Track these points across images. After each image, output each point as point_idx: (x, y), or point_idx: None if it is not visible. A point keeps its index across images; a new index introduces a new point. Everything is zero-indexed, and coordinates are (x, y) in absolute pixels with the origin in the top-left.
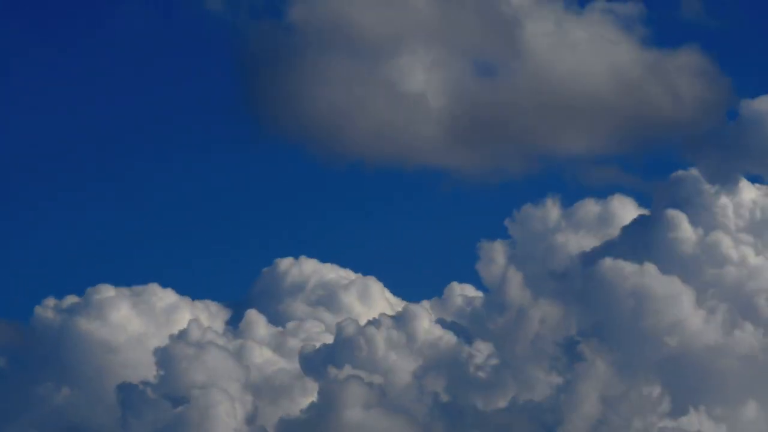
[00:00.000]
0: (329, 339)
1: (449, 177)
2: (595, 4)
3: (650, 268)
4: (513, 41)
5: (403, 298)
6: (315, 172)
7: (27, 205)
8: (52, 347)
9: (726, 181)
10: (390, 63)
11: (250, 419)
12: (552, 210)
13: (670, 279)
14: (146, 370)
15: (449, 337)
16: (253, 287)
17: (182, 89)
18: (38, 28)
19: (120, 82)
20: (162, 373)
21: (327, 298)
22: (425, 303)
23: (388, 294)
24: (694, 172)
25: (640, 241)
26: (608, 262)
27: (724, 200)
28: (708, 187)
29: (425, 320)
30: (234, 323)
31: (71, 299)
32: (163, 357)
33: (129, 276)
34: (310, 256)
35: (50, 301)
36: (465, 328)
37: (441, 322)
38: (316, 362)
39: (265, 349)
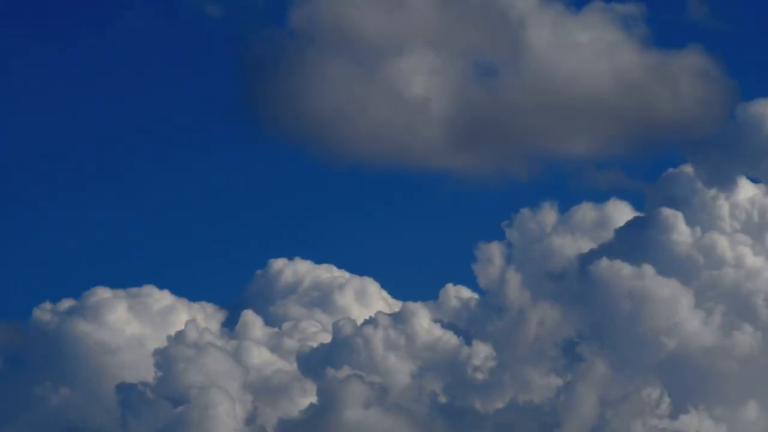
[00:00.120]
0: (325, 339)
1: (449, 179)
2: (597, 6)
3: (648, 269)
4: (514, 43)
5: (400, 300)
6: (314, 174)
7: (26, 205)
8: (50, 349)
9: (723, 182)
10: (390, 65)
11: (250, 420)
12: (549, 214)
13: (668, 280)
14: (145, 371)
15: (448, 337)
16: (247, 288)
17: (181, 90)
18: (39, 30)
19: (119, 82)
20: (161, 374)
21: (322, 299)
22: (421, 305)
23: (384, 295)
24: (687, 168)
25: (637, 242)
26: (605, 262)
27: (721, 200)
28: (704, 187)
29: (423, 319)
30: (230, 324)
31: (68, 302)
32: (163, 358)
33: (125, 277)
34: (306, 257)
35: (47, 305)
36: (463, 329)
37: (440, 321)
38: (313, 362)
39: (262, 349)
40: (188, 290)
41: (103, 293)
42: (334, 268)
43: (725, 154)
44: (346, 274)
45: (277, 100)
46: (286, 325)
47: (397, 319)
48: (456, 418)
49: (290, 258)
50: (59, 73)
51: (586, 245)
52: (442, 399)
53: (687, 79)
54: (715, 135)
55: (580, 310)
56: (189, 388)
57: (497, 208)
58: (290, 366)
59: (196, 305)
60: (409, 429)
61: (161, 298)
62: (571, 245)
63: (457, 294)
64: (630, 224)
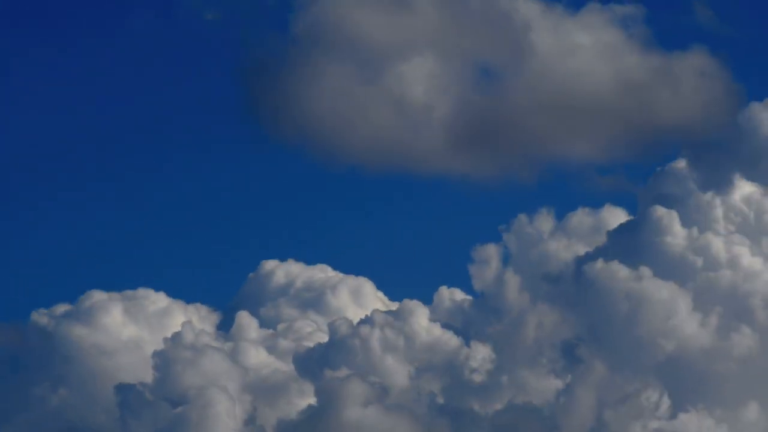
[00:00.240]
0: (321, 339)
1: (450, 182)
2: (599, 8)
3: (645, 271)
4: (516, 46)
5: (396, 301)
6: (312, 175)
7: (24, 208)
8: (48, 351)
9: (720, 184)
10: (392, 68)
11: (250, 420)
12: (547, 219)
13: (665, 282)
14: (143, 372)
15: (447, 337)
16: (241, 290)
17: (179, 93)
18: (40, 33)
19: (119, 85)
20: (160, 375)
21: (316, 300)
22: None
23: (380, 295)
24: (680, 164)
25: (632, 243)
26: (600, 264)
27: (716, 201)
28: (699, 189)
29: (421, 318)
30: (224, 326)
31: (65, 307)
32: (161, 360)
33: (120, 280)
34: (300, 258)
35: (44, 312)
36: (461, 329)
37: (438, 321)
38: (310, 363)
39: (259, 350)
40: (183, 292)
41: (99, 296)
42: (329, 268)
43: (724, 156)
44: (341, 275)
45: (278, 103)
46: (281, 326)
47: (395, 317)
48: (454, 418)
49: (283, 259)
50: (59, 73)
51: (583, 249)
52: (440, 400)
53: (690, 81)
54: (718, 137)
55: (578, 312)
56: (188, 389)
57: (498, 211)
58: (287, 367)
59: (191, 307)
60: (408, 428)
61: (157, 300)
62: (568, 249)
63: (451, 296)
64: (623, 227)
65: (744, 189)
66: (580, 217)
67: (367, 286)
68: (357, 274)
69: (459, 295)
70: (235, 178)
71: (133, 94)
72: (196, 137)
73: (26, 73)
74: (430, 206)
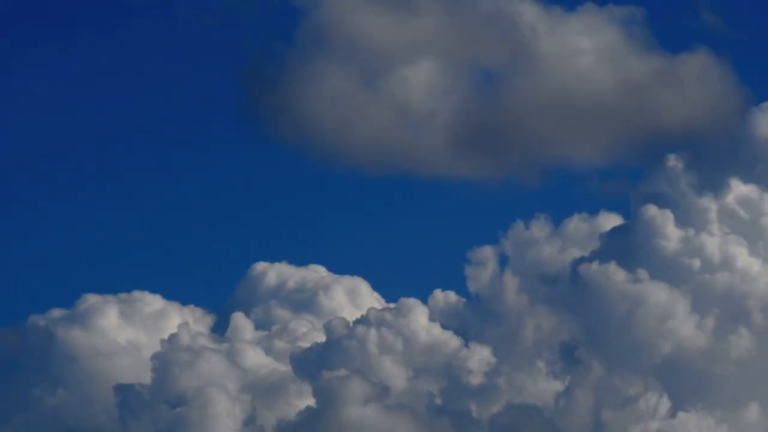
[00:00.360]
0: (317, 339)
1: (451, 184)
2: (601, 9)
3: (642, 273)
4: (518, 49)
5: (392, 303)
6: (312, 178)
7: (19, 210)
8: (46, 354)
9: (715, 185)
10: (393, 71)
11: (249, 421)
12: (545, 225)
13: (661, 283)
14: (141, 374)
15: (445, 337)
16: (235, 292)
17: (177, 95)
18: (41, 34)
19: (117, 86)
20: (159, 377)
21: (311, 301)
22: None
23: (377, 296)
24: (671, 161)
25: (628, 245)
26: (596, 266)
27: (711, 202)
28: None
29: (420, 316)
30: (219, 327)
31: (62, 312)
32: (160, 361)
33: (114, 282)
34: (294, 259)
35: (41, 316)
36: (458, 329)
37: (436, 321)
38: (307, 363)
39: (255, 351)
40: (177, 294)
41: (94, 299)
42: (324, 270)
43: (722, 157)
44: (337, 276)
45: (279, 104)
46: (275, 328)
47: (393, 316)
48: (452, 418)
49: (277, 261)
50: (57, 74)
51: (583, 252)
52: (438, 401)
53: (693, 83)
54: (721, 139)
55: (576, 314)
56: (187, 390)
57: (498, 213)
58: (285, 367)
59: (185, 309)
60: (408, 427)
61: (152, 302)
62: (568, 252)
63: (446, 299)
64: (616, 229)
65: (741, 190)
66: (581, 221)
67: (362, 287)
68: (353, 274)
69: (453, 297)
70: (233, 179)
71: (131, 96)
72: (193, 139)
73: (24, 75)
74: (429, 208)
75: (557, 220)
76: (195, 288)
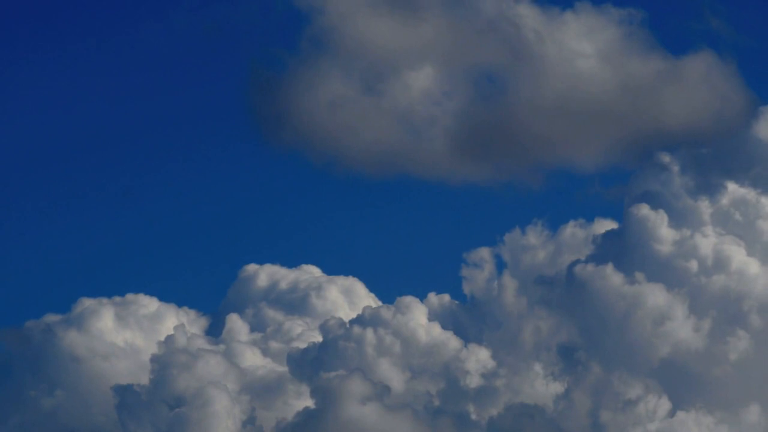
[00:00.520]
0: (313, 340)
1: (452, 188)
2: (603, 12)
3: (639, 275)
4: (519, 53)
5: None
6: (312, 182)
7: (15, 213)
8: (44, 357)
9: (710, 187)
10: (395, 75)
11: (249, 421)
12: (546, 226)
13: (658, 285)
14: (138, 376)
15: (443, 337)
16: (228, 294)
17: (176, 98)
18: (42, 38)
19: (115, 90)
20: (158, 378)
21: (306, 302)
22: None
23: (373, 297)
24: (664, 157)
25: (623, 247)
26: (590, 268)
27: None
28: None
29: (419, 315)
30: (214, 329)
31: (58, 317)
32: (158, 363)
33: (110, 286)
34: (287, 261)
35: (44, 318)
36: (456, 331)
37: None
38: (304, 363)
39: (252, 352)
40: (172, 296)
41: (89, 302)
42: (318, 270)
43: (718, 160)
44: (331, 277)
45: (280, 109)
46: (270, 329)
47: (389, 315)
48: (451, 419)
49: (269, 262)
50: (58, 77)
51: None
52: (436, 402)
53: (695, 85)
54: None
55: (573, 316)
56: (186, 392)
57: (498, 216)
58: (282, 368)
59: (180, 311)
60: (408, 426)
61: (148, 305)
62: (569, 255)
63: (440, 302)
64: (610, 233)
65: (738, 192)
66: (581, 223)
67: (358, 288)
68: (348, 275)
69: (447, 299)
70: (234, 182)
71: (131, 100)
72: (190, 143)
73: (21, 83)
74: (430, 210)
75: (559, 222)
76: (190, 290)
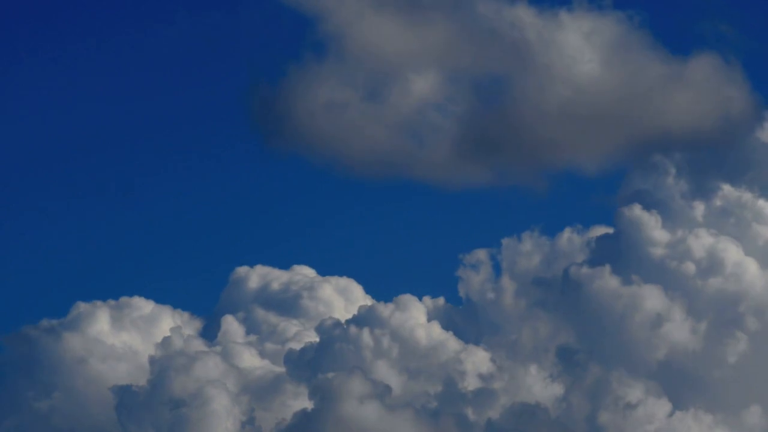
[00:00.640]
0: (309, 340)
1: (453, 191)
2: (604, 15)
3: (636, 278)
4: (522, 57)
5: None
6: (314, 186)
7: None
8: (41, 359)
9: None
10: (398, 80)
11: (248, 422)
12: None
13: (656, 287)
14: (138, 378)
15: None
16: (222, 295)
17: (175, 100)
18: (42, 39)
19: (119, 95)
20: (156, 380)
21: (299, 303)
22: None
23: (369, 299)
24: (657, 157)
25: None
26: (587, 270)
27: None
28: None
29: (418, 314)
30: (208, 331)
31: (55, 321)
32: (157, 365)
33: (105, 289)
34: (283, 263)
35: (42, 323)
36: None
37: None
38: (301, 364)
39: (252, 353)
40: (168, 298)
41: (85, 306)
42: (313, 272)
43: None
44: (327, 278)
45: (283, 115)
46: (266, 330)
47: (387, 314)
48: (450, 419)
49: (260, 264)
50: (57, 80)
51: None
52: (433, 404)
53: (698, 87)
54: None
55: (572, 318)
56: (185, 393)
57: (499, 218)
58: (279, 368)
59: (175, 313)
60: (408, 425)
61: (143, 307)
62: (569, 257)
63: (435, 305)
64: (605, 236)
65: (734, 194)
66: (578, 230)
67: (354, 288)
68: (341, 275)
69: (442, 302)
70: (231, 183)
71: (130, 104)
72: (189, 146)
73: (20, 87)
74: (430, 212)
75: (560, 226)
76: (185, 292)
